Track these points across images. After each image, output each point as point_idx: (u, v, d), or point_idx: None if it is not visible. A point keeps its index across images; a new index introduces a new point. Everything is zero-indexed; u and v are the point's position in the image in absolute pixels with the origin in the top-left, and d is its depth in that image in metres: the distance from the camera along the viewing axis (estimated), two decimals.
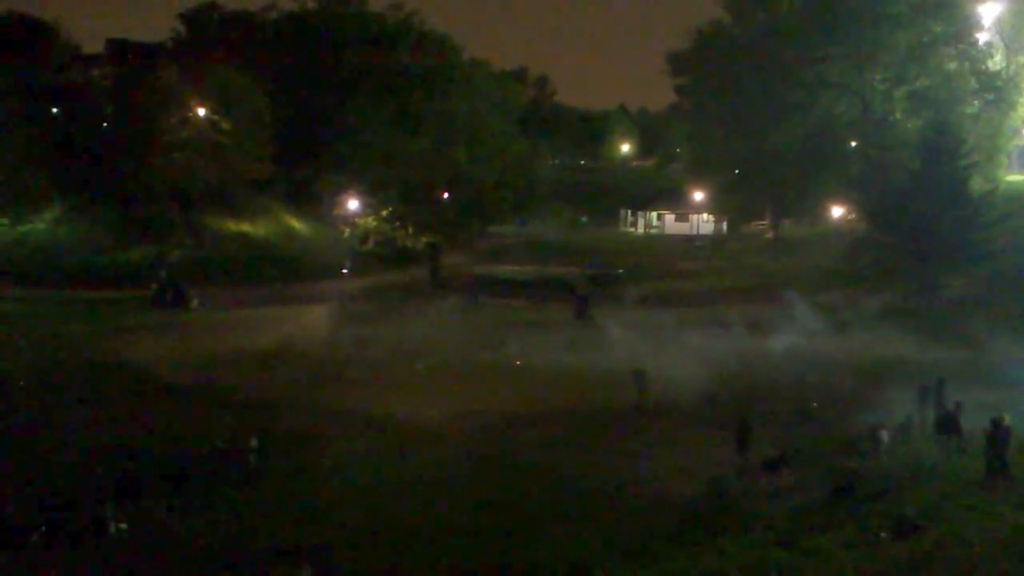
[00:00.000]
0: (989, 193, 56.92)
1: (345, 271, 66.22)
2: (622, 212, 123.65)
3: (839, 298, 52.46)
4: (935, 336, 43.51)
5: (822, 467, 26.19)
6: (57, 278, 62.83)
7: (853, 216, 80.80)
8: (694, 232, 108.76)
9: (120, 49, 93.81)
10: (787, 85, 79.94)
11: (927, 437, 28.12)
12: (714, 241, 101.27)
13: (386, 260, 75.59)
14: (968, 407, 26.37)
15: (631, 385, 35.16)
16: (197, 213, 74.23)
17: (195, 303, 56.47)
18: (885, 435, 27.05)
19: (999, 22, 70.52)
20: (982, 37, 70.95)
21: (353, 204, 74.40)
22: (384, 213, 72.38)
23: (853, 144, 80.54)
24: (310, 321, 52.17)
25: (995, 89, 70.18)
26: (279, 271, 70.16)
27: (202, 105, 76.52)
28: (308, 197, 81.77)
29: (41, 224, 70.95)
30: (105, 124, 79.99)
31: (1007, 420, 24.43)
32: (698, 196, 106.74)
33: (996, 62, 71.47)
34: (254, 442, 27.72)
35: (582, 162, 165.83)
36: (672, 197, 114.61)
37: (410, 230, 72.06)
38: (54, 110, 78.54)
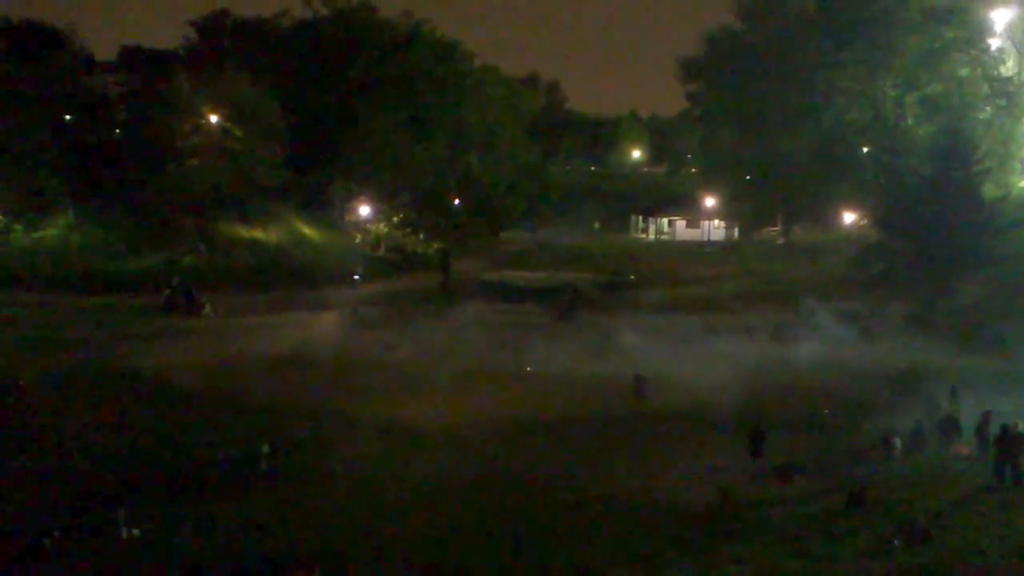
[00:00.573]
0: (1001, 199, 56.72)
1: (357, 277, 66.29)
2: (633, 218, 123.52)
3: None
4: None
5: (834, 474, 26.12)
6: (70, 284, 63.12)
7: (865, 222, 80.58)
8: (705, 238, 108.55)
9: (133, 56, 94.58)
10: (798, 91, 79.88)
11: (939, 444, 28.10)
12: (725, 247, 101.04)
13: (397, 266, 75.67)
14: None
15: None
16: (209, 219, 74.47)
17: (207, 309, 56.62)
18: (898, 442, 26.99)
19: (1011, 28, 70.33)
20: (994, 43, 70.79)
21: (365, 210, 74.51)
22: (395, 219, 72.41)
23: (865, 150, 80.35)
24: (322, 327, 52.28)
25: (1007, 95, 69.99)
26: (291, 277, 70.31)
27: (214, 112, 76.82)
28: (320, 203, 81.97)
29: (54, 230, 71.27)
30: (118, 131, 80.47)
31: (1021, 427, 24.40)
32: (709, 202, 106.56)
33: (1008, 68, 71.30)
34: (266, 447, 27.80)
35: (593, 168, 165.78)
36: (683, 203, 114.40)
37: (421, 236, 72.04)
38: (68, 117, 78.99)
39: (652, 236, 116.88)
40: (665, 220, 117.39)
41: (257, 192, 78.22)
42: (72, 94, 79.01)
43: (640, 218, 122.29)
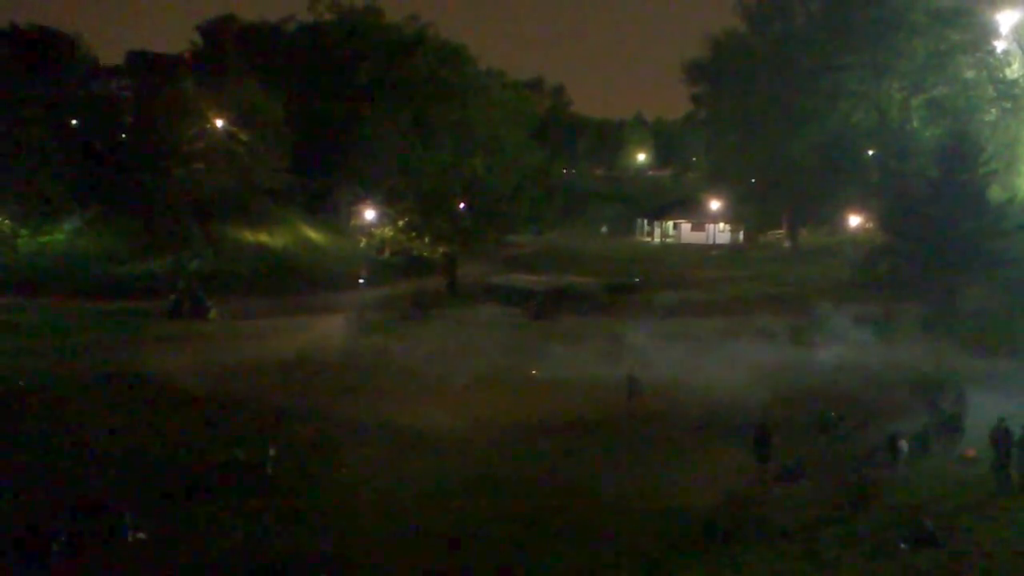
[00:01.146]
0: (1007, 202, 56.56)
1: (362, 281, 66.36)
2: (638, 221, 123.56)
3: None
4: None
5: (841, 477, 26.08)
6: (77, 288, 63.26)
7: (871, 225, 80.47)
8: (711, 241, 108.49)
9: (139, 61, 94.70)
10: (804, 94, 79.81)
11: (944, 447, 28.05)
12: (731, 250, 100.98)
13: (403, 270, 75.70)
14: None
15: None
16: (215, 224, 74.64)
17: (213, 313, 56.71)
18: (905, 445, 26.93)
19: (1017, 30, 70.11)
20: (1000, 45, 70.60)
21: (370, 214, 74.56)
22: (400, 223, 72.39)
23: (870, 153, 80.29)
24: (327, 331, 52.33)
25: (1013, 97, 69.78)
26: (296, 281, 70.42)
27: (220, 116, 77.01)
28: (325, 207, 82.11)
29: (61, 235, 71.48)
30: (125, 135, 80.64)
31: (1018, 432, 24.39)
32: (714, 205, 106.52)
33: (1014, 70, 71.07)
34: (272, 451, 27.83)
35: (599, 171, 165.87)
36: (688, 206, 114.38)
37: (426, 240, 72.05)
38: (74, 121, 79.22)
39: (657, 239, 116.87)
40: (670, 223, 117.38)
41: (262, 196, 78.41)
42: (79, 99, 79.32)
43: (645, 221, 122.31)
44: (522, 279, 70.68)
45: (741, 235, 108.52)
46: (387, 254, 76.32)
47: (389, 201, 72.71)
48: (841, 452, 28.66)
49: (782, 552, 21.30)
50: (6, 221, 69.31)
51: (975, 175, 53.82)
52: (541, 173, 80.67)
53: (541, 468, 28.09)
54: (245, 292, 64.89)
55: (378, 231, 74.27)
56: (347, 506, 25.02)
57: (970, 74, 71.26)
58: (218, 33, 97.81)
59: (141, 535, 22.41)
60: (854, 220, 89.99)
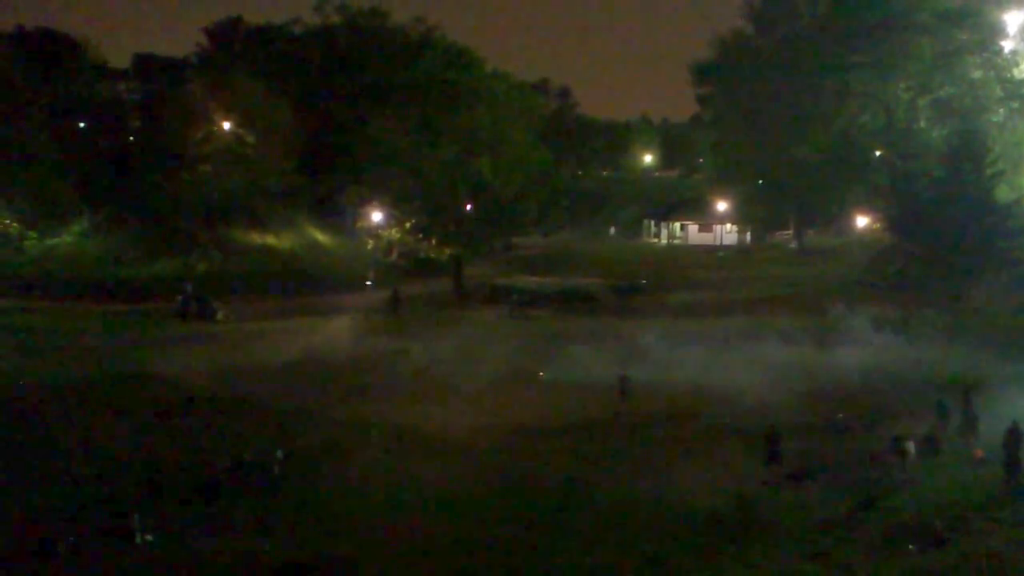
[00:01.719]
0: (1015, 202, 56.46)
1: (369, 283, 66.45)
2: (645, 222, 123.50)
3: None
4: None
5: (849, 478, 26.03)
6: (84, 291, 63.47)
7: (878, 226, 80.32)
8: (718, 242, 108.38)
9: (146, 64, 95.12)
10: (811, 94, 79.66)
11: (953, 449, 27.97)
12: (738, 251, 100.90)
13: (409, 272, 75.74)
14: None
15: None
16: (222, 226, 74.78)
17: (220, 315, 56.79)
18: (912, 446, 26.89)
19: None
20: (1007, 45, 70.38)
21: (376, 216, 74.61)
22: (407, 225, 72.48)
23: (878, 153, 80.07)
24: (335, 333, 52.38)
25: (1020, 98, 69.56)
26: (303, 283, 70.47)
27: (227, 119, 77.15)
28: (332, 209, 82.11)
29: (69, 237, 71.71)
30: (132, 138, 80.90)
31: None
32: (721, 206, 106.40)
33: (1021, 70, 70.83)
34: (279, 453, 27.87)
35: (605, 173, 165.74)
36: (695, 207, 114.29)
37: (433, 242, 72.13)
38: (82, 124, 79.46)
39: (664, 240, 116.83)
40: (677, 224, 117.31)
41: (269, 198, 78.54)
42: (86, 102, 79.58)
43: (652, 223, 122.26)
44: (528, 281, 70.77)
45: (748, 236, 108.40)
46: (394, 256, 76.38)
47: (396, 203, 72.77)
48: (850, 453, 28.61)
49: (789, 552, 21.28)
50: (14, 224, 69.60)
51: (982, 175, 53.79)
52: (547, 175, 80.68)
53: (549, 470, 28.07)
54: (252, 294, 64.99)
55: (385, 233, 74.33)
56: (354, 508, 25.03)
57: (977, 74, 71.04)
58: (225, 36, 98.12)
59: (149, 537, 22.45)
60: (861, 221, 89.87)
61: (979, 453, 27.17)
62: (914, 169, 63.87)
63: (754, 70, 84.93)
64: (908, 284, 55.26)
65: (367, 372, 41.70)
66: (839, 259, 78.52)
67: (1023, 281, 51.17)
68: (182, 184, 73.56)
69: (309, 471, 27.78)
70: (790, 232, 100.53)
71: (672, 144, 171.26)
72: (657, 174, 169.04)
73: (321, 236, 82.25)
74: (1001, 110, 70.05)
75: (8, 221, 69.48)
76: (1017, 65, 70.53)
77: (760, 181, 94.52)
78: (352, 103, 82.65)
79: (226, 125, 77.27)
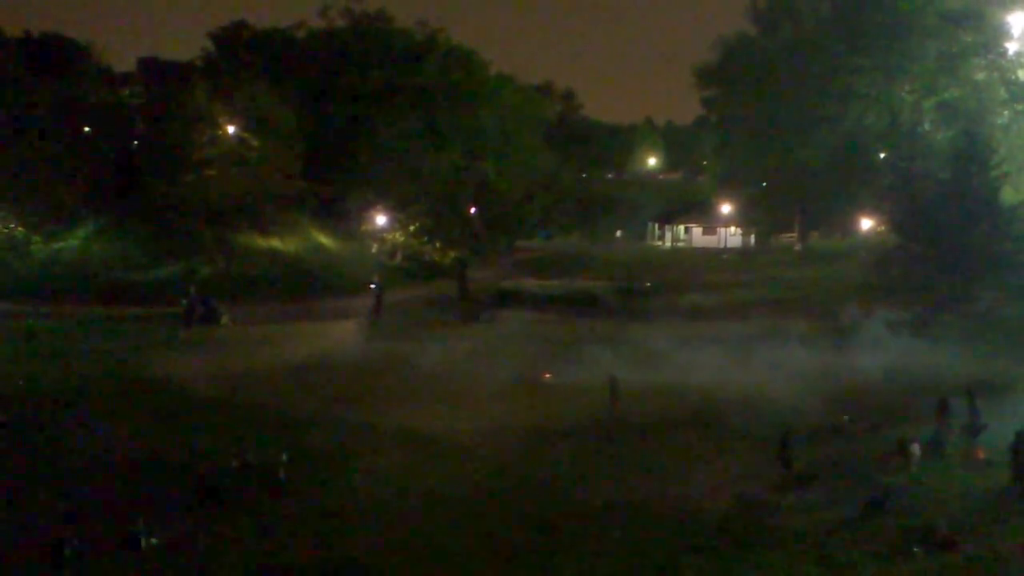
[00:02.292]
0: (1020, 204, 56.36)
1: (373, 286, 66.50)
2: (649, 225, 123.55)
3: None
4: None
5: (854, 481, 25.97)
6: (89, 295, 63.50)
7: (883, 228, 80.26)
8: (722, 245, 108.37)
9: (151, 68, 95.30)
10: (815, 97, 79.68)
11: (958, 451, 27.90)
12: (742, 254, 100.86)
13: (414, 275, 75.79)
14: None
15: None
16: (227, 229, 74.79)
17: (225, 319, 56.80)
18: (917, 448, 26.84)
19: None
20: (1012, 47, 70.35)
21: (381, 219, 74.74)
22: (412, 228, 72.68)
23: (882, 155, 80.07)
24: (339, 336, 52.40)
25: None
26: (308, 286, 70.49)
27: (232, 122, 77.22)
28: (336, 213, 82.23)
29: (73, 241, 71.74)
30: (137, 142, 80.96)
31: None
32: (725, 209, 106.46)
33: None
34: (284, 457, 27.85)
35: (609, 176, 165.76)
36: (699, 210, 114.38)
37: (438, 245, 72.28)
38: (87, 128, 79.55)
39: (669, 243, 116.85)
40: (682, 227, 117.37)
41: (274, 202, 78.53)
42: (91, 106, 79.59)
43: (656, 226, 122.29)
44: (533, 283, 70.79)
45: (752, 239, 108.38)
46: (399, 259, 76.52)
47: (400, 206, 72.95)
48: (856, 456, 28.56)
49: (795, 556, 21.24)
50: (19, 228, 69.68)
51: (987, 177, 53.71)
52: (552, 178, 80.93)
53: (554, 473, 28.05)
54: (257, 297, 64.96)
55: (390, 236, 74.50)
56: (359, 512, 25.02)
57: (982, 76, 71.02)
58: (230, 40, 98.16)
59: (154, 540, 22.45)
60: (866, 223, 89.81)
61: (980, 453, 27.12)
62: (919, 171, 63.80)
63: (758, 73, 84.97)
64: (913, 287, 55.15)
65: (371, 375, 41.70)
66: (844, 262, 78.39)
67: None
68: (187, 188, 73.60)
69: (315, 474, 27.79)
70: (794, 235, 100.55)
71: (676, 147, 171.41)
72: (661, 177, 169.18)
73: (325, 239, 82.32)
74: (1006, 112, 70.04)
75: (13, 225, 69.56)
76: (1022, 67, 70.49)
77: (764, 184, 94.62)
78: (357, 106, 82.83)
79: (230, 129, 77.33)
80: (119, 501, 25.01)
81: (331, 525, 23.94)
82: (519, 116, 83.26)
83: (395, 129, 75.48)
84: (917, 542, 21.14)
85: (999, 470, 25.43)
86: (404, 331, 54.17)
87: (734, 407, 34.10)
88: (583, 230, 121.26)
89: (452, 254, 72.73)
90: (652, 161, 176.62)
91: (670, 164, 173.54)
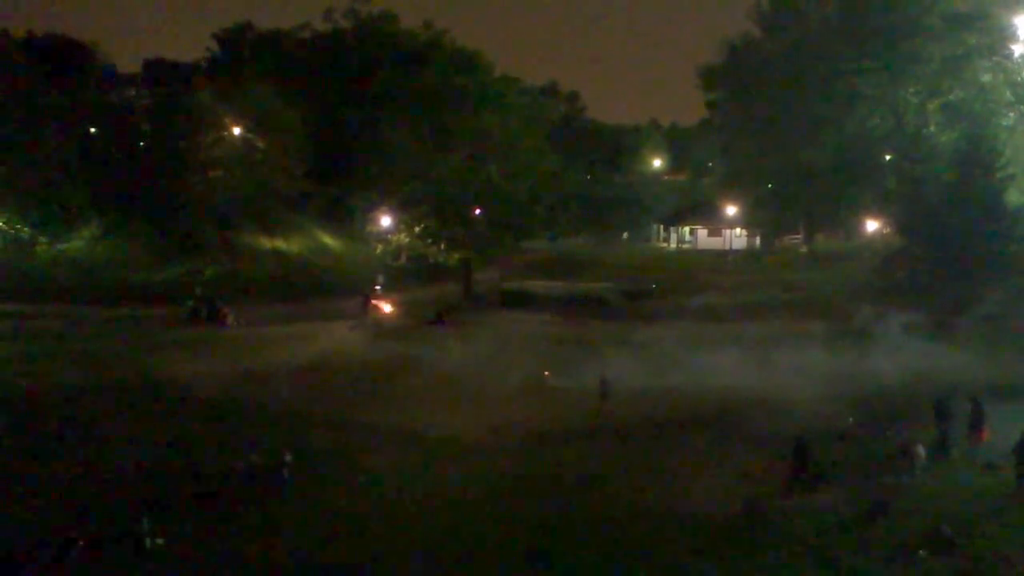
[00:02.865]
0: None
1: (378, 287, 66.53)
2: (654, 227, 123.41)
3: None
4: None
5: (859, 483, 25.95)
6: (94, 295, 63.56)
7: (888, 230, 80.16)
8: (727, 247, 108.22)
9: (157, 69, 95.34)
10: (820, 99, 79.53)
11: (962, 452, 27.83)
12: (748, 256, 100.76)
13: (419, 276, 75.79)
14: None
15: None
16: (232, 230, 74.95)
17: (230, 319, 56.86)
18: (922, 451, 26.80)
19: None
20: (1017, 49, 70.15)
21: (386, 220, 74.70)
22: (416, 229, 72.57)
23: (887, 157, 79.92)
24: (344, 337, 52.45)
25: None
26: (313, 287, 70.59)
27: (237, 124, 77.37)
28: (341, 214, 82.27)
29: (79, 242, 71.89)
30: (142, 143, 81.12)
31: None
32: (730, 211, 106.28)
33: None
34: (289, 457, 27.90)
35: (614, 177, 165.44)
36: (704, 212, 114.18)
37: (442, 246, 72.20)
38: (92, 129, 79.72)
39: (674, 245, 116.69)
40: (687, 229, 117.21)
41: (279, 203, 78.72)
42: (96, 107, 79.75)
43: (661, 227, 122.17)
44: (538, 285, 70.74)
45: (757, 240, 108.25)
46: (403, 260, 76.45)
47: (405, 207, 72.85)
48: (862, 458, 28.51)
49: (800, 558, 21.23)
50: (25, 228, 69.84)
51: (992, 180, 53.70)
52: (556, 179, 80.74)
53: (560, 475, 28.05)
54: (262, 298, 65.01)
55: (394, 237, 74.40)
56: (364, 512, 25.06)
57: (987, 78, 70.85)
58: (234, 41, 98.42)
59: (159, 541, 22.50)
60: (871, 225, 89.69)
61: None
62: (924, 173, 63.75)
63: (763, 74, 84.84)
64: (918, 289, 55.09)
65: (376, 376, 41.73)
66: (849, 263, 78.28)
67: None
68: (192, 189, 73.77)
69: (319, 475, 27.84)
70: (799, 236, 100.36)
71: (681, 148, 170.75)
72: (666, 178, 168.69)
73: (330, 240, 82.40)
74: (1011, 114, 69.82)
75: (19, 226, 69.72)
76: None
77: (769, 185, 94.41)
78: (361, 107, 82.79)
79: (236, 130, 77.50)
80: (123, 501, 25.05)
81: (336, 525, 23.98)
82: (524, 117, 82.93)
83: (400, 130, 75.35)
84: (921, 544, 21.12)
85: (1004, 472, 25.40)
86: (406, 332, 54.23)
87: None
88: (589, 231, 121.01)
89: (457, 255, 72.63)
90: (657, 163, 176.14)
91: (675, 166, 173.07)
